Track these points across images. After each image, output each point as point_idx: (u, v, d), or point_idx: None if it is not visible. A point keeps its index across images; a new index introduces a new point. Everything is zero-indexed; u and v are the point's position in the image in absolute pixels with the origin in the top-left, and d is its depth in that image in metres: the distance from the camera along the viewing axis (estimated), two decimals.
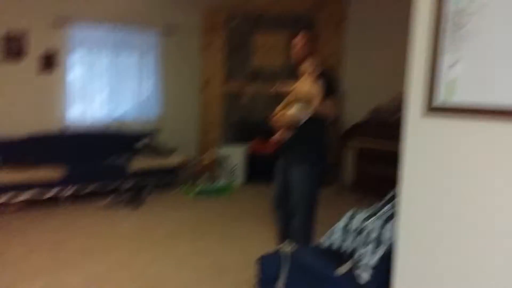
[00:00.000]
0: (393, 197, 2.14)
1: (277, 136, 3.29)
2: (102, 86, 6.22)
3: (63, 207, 5.26)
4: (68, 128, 5.95)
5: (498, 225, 1.52)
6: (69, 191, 5.32)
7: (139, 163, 5.93)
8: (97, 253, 3.92)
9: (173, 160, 6.21)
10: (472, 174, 1.58)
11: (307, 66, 3.11)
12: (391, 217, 2.02)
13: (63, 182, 5.28)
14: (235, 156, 6.51)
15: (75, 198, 5.43)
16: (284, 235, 3.39)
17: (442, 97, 1.67)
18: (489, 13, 1.53)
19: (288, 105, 3.21)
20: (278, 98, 3.34)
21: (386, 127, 5.58)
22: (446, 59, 1.66)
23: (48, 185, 5.20)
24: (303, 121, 3.16)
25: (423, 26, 1.72)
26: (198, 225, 4.75)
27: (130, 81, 6.46)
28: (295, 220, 3.28)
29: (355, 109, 6.21)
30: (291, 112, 3.16)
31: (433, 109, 1.68)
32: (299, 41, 3.24)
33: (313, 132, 3.25)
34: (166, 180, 6.17)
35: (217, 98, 7.08)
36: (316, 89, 3.03)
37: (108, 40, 6.14)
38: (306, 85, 3.12)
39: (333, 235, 2.24)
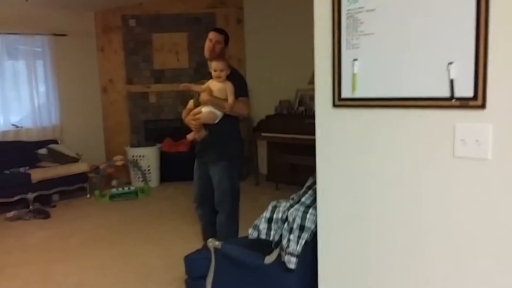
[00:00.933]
0: (312, 185, 2.27)
1: (191, 135, 3.31)
2: None
3: None
4: None
5: (402, 201, 1.70)
6: None
7: (43, 171, 5.60)
8: (9, 268, 3.68)
9: (79, 166, 5.94)
10: (378, 156, 1.75)
11: (218, 65, 3.17)
12: (311, 204, 2.16)
13: None
14: (147, 157, 6.39)
15: None
16: (209, 231, 3.44)
17: (348, 89, 1.83)
18: (378, 15, 1.71)
19: (201, 104, 3.24)
20: (186, 97, 3.38)
21: (291, 120, 5.88)
22: (348, 55, 1.82)
23: None
24: (218, 119, 3.23)
25: (324, 23, 1.86)
26: (116, 229, 4.63)
27: (22, 88, 6.11)
28: (220, 216, 3.35)
29: (262, 104, 6.43)
30: (206, 111, 3.20)
31: (341, 100, 1.84)
32: (215, 37, 3.30)
33: (228, 130, 3.32)
34: (74, 187, 5.89)
35: (121, 100, 6.92)
36: (228, 89, 3.13)
37: None
38: (218, 85, 3.19)
39: (258, 227, 2.33)
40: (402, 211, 1.72)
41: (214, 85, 3.20)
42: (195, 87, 3.28)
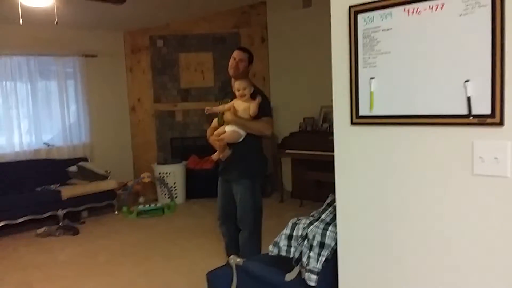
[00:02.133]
0: (331, 202, 2.28)
1: (216, 155, 3.35)
2: (25, 114, 6.04)
3: None
4: None
5: (421, 219, 1.69)
6: (0, 223, 5.05)
7: (73, 189, 5.75)
8: (37, 283, 3.78)
9: (108, 183, 6.08)
10: (396, 174, 1.75)
11: (241, 84, 3.22)
12: (331, 221, 2.16)
13: None
14: (173, 174, 6.49)
15: (9, 228, 5.18)
16: (233, 248, 3.46)
17: (366, 107, 1.84)
18: (394, 34, 1.73)
19: (225, 123, 3.29)
20: (211, 115, 3.43)
21: (316, 136, 5.90)
22: (365, 74, 1.83)
23: None
24: (241, 138, 3.27)
25: (341, 43, 1.88)
26: (142, 246, 4.70)
27: (54, 107, 6.32)
28: (242, 234, 3.37)
29: (286, 121, 6.46)
30: (229, 131, 3.24)
31: (359, 118, 1.85)
32: (238, 55, 3.36)
33: (251, 148, 3.35)
34: (103, 204, 6.02)
35: (148, 118, 7.07)
36: (252, 109, 3.17)
37: (25, 69, 5.97)
38: (242, 105, 3.23)
39: (279, 244, 2.35)
40: (422, 229, 1.71)
41: (238, 104, 3.25)
42: (218, 109, 3.33)
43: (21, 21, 3.93)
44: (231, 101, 3.31)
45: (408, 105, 1.71)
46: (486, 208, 1.54)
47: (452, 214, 1.62)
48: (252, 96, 3.25)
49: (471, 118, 1.55)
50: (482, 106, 1.52)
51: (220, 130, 3.29)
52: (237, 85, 3.23)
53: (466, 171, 1.57)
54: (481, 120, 1.53)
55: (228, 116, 3.22)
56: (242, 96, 3.22)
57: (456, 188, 1.60)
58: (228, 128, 3.25)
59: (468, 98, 1.55)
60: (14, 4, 3.68)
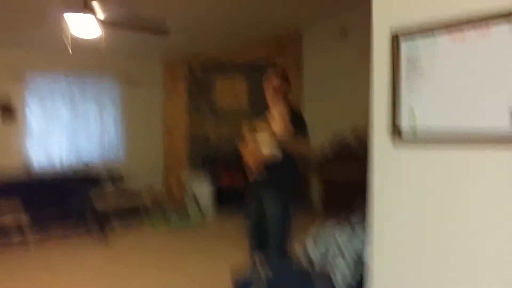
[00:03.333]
0: (358, 213, 2.26)
1: (251, 173, 3.38)
2: (64, 134, 6.30)
3: (30, 250, 5.14)
4: (33, 176, 5.91)
5: (463, 242, 1.68)
6: (35, 236, 5.23)
7: (107, 204, 5.94)
8: None
9: (141, 200, 6.25)
10: (440, 198, 1.75)
11: (279, 107, 3.26)
12: (356, 233, 2.15)
13: (28, 227, 5.20)
14: (204, 190, 6.61)
15: (44, 241, 5.35)
16: (261, 264, 3.42)
17: (407, 133, 1.85)
18: (439, 62, 1.75)
19: (261, 143, 3.32)
20: (243, 136, 3.45)
21: (348, 159, 5.91)
22: (408, 100, 1.85)
23: (15, 230, 5.10)
24: (278, 159, 3.29)
25: (382, 69, 1.91)
26: (170, 259, 4.77)
27: (92, 129, 6.57)
28: (272, 250, 3.35)
29: (316, 142, 6.45)
30: (267, 151, 3.28)
31: (401, 142, 1.86)
32: (275, 80, 3.34)
33: (287, 169, 3.35)
34: (135, 219, 6.17)
35: (182, 140, 7.19)
36: (289, 130, 3.19)
37: (67, 90, 6.27)
38: (279, 125, 3.26)
39: (305, 255, 2.34)
40: (468, 258, 1.68)
41: (275, 125, 3.22)
42: (250, 129, 3.39)
43: (70, 51, 4.10)
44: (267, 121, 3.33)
45: (451, 127, 1.71)
46: None
47: (505, 238, 1.59)
48: (291, 119, 3.25)
49: None
50: None
51: (255, 148, 3.32)
52: (278, 109, 3.25)
53: None
54: None
55: (265, 137, 3.23)
56: (281, 115, 3.20)
57: (504, 210, 1.58)
58: (265, 151, 3.26)
59: None
60: (61, 33, 3.78)
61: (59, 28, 3.72)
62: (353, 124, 5.99)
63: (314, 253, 2.32)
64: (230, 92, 7.09)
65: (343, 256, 2.11)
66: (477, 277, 1.66)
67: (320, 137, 6.47)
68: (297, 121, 3.29)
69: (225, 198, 6.69)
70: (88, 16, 3.53)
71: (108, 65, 6.57)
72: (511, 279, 1.57)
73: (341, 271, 2.09)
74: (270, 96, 3.38)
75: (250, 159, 3.35)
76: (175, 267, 4.51)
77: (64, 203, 5.75)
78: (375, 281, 1.95)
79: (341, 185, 5.86)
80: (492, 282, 1.62)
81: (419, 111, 1.81)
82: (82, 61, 6.24)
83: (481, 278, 1.65)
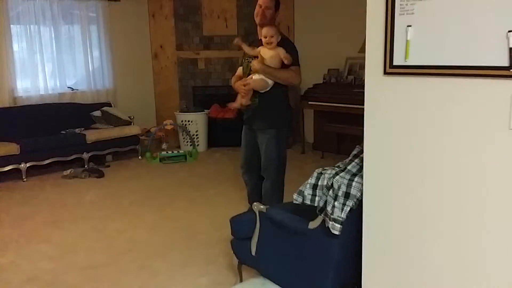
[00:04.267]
0: (358, 153, 2.27)
1: (237, 101, 3.33)
2: (49, 58, 6.06)
3: (24, 180, 5.17)
4: (19, 103, 5.78)
5: (455, 174, 1.68)
6: (28, 164, 5.20)
7: (97, 133, 5.85)
8: (65, 223, 3.93)
9: (132, 129, 6.17)
10: (429, 126, 1.72)
11: (269, 31, 3.14)
12: (357, 172, 2.16)
13: (21, 157, 5.16)
14: (196, 122, 6.52)
15: (36, 171, 5.34)
16: (255, 197, 3.50)
17: (401, 57, 1.79)
18: None
19: (253, 72, 3.24)
20: (233, 64, 3.37)
21: (340, 89, 5.82)
22: (401, 21, 1.77)
23: (5, 160, 5.07)
24: (268, 88, 3.24)
25: None
26: (165, 190, 4.80)
27: (77, 52, 6.33)
28: (265, 183, 3.40)
29: (310, 73, 6.34)
30: (257, 78, 3.21)
31: (393, 68, 1.80)
32: (264, 2, 3.22)
33: (277, 98, 3.31)
34: (127, 148, 6.13)
35: (171, 66, 7.01)
36: (282, 53, 3.12)
37: (49, 13, 5.94)
38: (269, 52, 3.17)
39: (303, 192, 2.37)
40: (455, 184, 1.69)
41: (265, 52, 3.19)
42: (246, 48, 3.29)
43: None
44: (257, 49, 3.25)
45: (445, 56, 1.66)
46: None
47: (489, 170, 1.59)
48: (280, 44, 3.19)
49: (511, 70, 1.50)
50: None
51: (248, 79, 3.25)
52: (264, 31, 3.16)
53: (504, 125, 1.53)
54: None
55: (255, 64, 3.17)
56: (269, 43, 3.16)
57: (492, 143, 1.57)
58: (255, 76, 3.21)
59: (510, 50, 1.49)
60: None
61: None
62: (348, 51, 5.85)
63: (310, 188, 2.33)
64: (219, 14, 6.80)
65: (336, 196, 2.12)
66: (469, 207, 1.68)
67: (313, 67, 6.36)
68: (286, 47, 3.20)
69: (216, 129, 6.64)
70: None
71: None
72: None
73: (332, 206, 2.11)
74: (257, 19, 3.27)
75: (239, 85, 3.29)
76: (169, 198, 4.57)
77: (54, 132, 5.69)
78: (368, 215, 1.98)
79: (333, 117, 5.84)
80: (494, 216, 1.63)
81: (412, 35, 1.73)
82: None
83: (471, 207, 1.67)
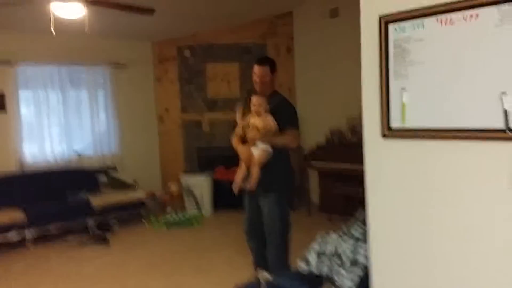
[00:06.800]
0: (359, 216, 2.23)
1: (253, 183, 3.25)
2: (56, 123, 6.16)
3: (29, 248, 5.10)
4: (25, 167, 5.82)
5: (457, 234, 1.63)
6: (32, 232, 5.15)
7: (103, 198, 5.83)
8: None
9: (137, 193, 6.15)
10: (429, 188, 1.70)
11: (258, 100, 3.17)
12: (360, 236, 2.11)
13: (25, 224, 5.11)
14: (200, 185, 6.50)
15: (41, 238, 5.28)
16: (260, 262, 3.41)
17: (397, 119, 1.80)
18: (427, 45, 1.68)
19: (249, 141, 3.23)
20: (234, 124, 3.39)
21: (344, 149, 5.81)
22: (397, 85, 1.79)
23: (9, 228, 5.01)
24: (270, 155, 3.22)
25: (371, 53, 1.84)
26: (171, 258, 4.70)
27: (84, 117, 6.43)
28: (270, 249, 3.32)
29: (312, 133, 6.40)
30: (259, 154, 3.19)
31: (391, 131, 1.80)
32: (259, 71, 3.24)
33: (278, 161, 3.26)
34: (132, 214, 6.08)
35: (176, 128, 7.13)
36: (273, 126, 3.13)
37: (56, 78, 6.11)
38: (260, 122, 3.16)
39: (307, 258, 2.31)
40: (460, 245, 1.65)
41: (255, 121, 3.18)
42: (238, 117, 3.31)
43: (53, 33, 4.04)
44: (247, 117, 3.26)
45: (441, 118, 1.67)
46: None
47: (489, 229, 1.56)
48: (278, 108, 3.20)
49: (508, 132, 1.49)
50: None
51: (246, 156, 3.24)
52: (254, 100, 3.17)
53: (502, 185, 1.51)
54: None
55: (251, 134, 3.16)
56: (256, 112, 3.16)
57: (493, 202, 1.54)
58: (255, 151, 3.19)
59: (505, 112, 1.50)
60: (47, 15, 3.77)
61: (46, 12, 3.68)
62: (349, 111, 5.91)
63: (315, 254, 2.27)
64: (222, 78, 6.97)
65: (342, 263, 2.06)
66: (470, 257, 1.62)
67: (315, 127, 6.43)
68: (285, 110, 3.22)
69: (222, 191, 6.56)
70: None
71: (97, 49, 6.43)
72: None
73: (340, 275, 2.04)
74: (257, 88, 3.29)
75: (243, 163, 3.28)
76: (175, 266, 4.47)
77: (60, 197, 5.68)
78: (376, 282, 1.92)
79: (338, 177, 5.77)
80: (495, 271, 1.58)
81: (408, 99, 1.75)
82: (71, 47, 6.11)
83: (478, 267, 1.61)
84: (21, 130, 5.83)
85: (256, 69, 3.25)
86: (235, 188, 3.33)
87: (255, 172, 3.18)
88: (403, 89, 1.78)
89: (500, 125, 1.50)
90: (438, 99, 1.67)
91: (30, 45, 5.82)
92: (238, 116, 3.31)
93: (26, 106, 5.92)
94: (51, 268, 4.53)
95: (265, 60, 3.33)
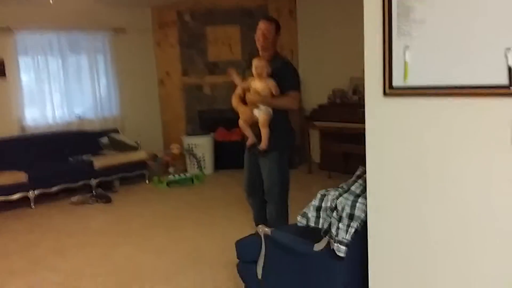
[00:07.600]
0: (361, 174, 2.27)
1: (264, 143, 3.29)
2: (57, 88, 6.16)
3: (32, 208, 5.19)
4: (28, 130, 5.86)
5: (456, 192, 1.67)
6: (36, 192, 5.23)
7: (105, 159, 5.90)
8: (72, 250, 3.93)
9: (139, 154, 6.21)
10: (430, 147, 1.73)
11: (260, 63, 3.17)
12: (360, 193, 2.16)
13: (29, 185, 5.19)
14: (202, 145, 6.57)
15: (44, 198, 5.36)
16: (260, 219, 3.49)
17: (399, 78, 1.80)
18: (430, 4, 1.67)
19: (249, 104, 3.26)
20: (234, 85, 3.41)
21: (345, 108, 5.86)
22: (399, 43, 1.78)
23: (13, 189, 5.09)
24: (270, 116, 3.25)
25: (374, 12, 1.83)
26: (172, 215, 4.80)
27: (84, 82, 6.43)
28: (269, 206, 3.40)
29: (315, 93, 6.41)
30: (262, 118, 3.21)
31: (392, 89, 1.81)
32: (265, 26, 3.25)
33: (279, 121, 3.30)
34: (134, 174, 6.16)
35: (177, 92, 7.11)
36: (274, 89, 3.15)
37: (56, 44, 6.08)
38: (260, 85, 3.18)
39: (307, 214, 2.36)
40: (456, 202, 1.69)
41: (256, 84, 3.19)
42: (237, 80, 3.32)
43: (51, 0, 3.96)
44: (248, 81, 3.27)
45: (444, 75, 1.67)
46: None
47: (491, 186, 1.59)
48: (280, 70, 3.21)
49: (510, 88, 1.50)
50: None
51: (246, 116, 3.27)
52: (255, 62, 3.18)
53: (505, 144, 1.53)
54: None
55: (250, 97, 3.19)
56: (258, 75, 3.17)
57: (494, 160, 1.57)
58: (257, 113, 3.22)
59: (509, 68, 1.50)
60: None
61: None
62: (351, 71, 5.89)
63: (314, 210, 2.33)
64: (223, 42, 6.91)
65: (340, 218, 2.11)
66: (471, 222, 1.67)
67: (318, 88, 6.42)
68: (287, 72, 3.23)
69: (223, 152, 6.67)
70: None
71: (96, 15, 6.34)
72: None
73: (336, 228, 2.10)
74: (258, 43, 3.30)
75: (243, 122, 3.32)
76: (177, 222, 4.57)
77: (62, 159, 5.74)
78: (373, 236, 1.97)
79: (339, 137, 5.83)
80: (495, 235, 1.62)
81: (410, 57, 1.75)
82: (70, 13, 6.04)
83: (475, 224, 1.66)
84: (22, 95, 5.85)
85: (262, 24, 3.28)
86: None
87: (265, 133, 3.22)
88: (406, 47, 1.77)
89: (504, 81, 1.50)
90: (441, 57, 1.67)
91: (29, 12, 5.75)
92: (235, 78, 3.32)
93: (26, 72, 5.91)
94: (54, 225, 4.63)
95: (272, 18, 3.41)
